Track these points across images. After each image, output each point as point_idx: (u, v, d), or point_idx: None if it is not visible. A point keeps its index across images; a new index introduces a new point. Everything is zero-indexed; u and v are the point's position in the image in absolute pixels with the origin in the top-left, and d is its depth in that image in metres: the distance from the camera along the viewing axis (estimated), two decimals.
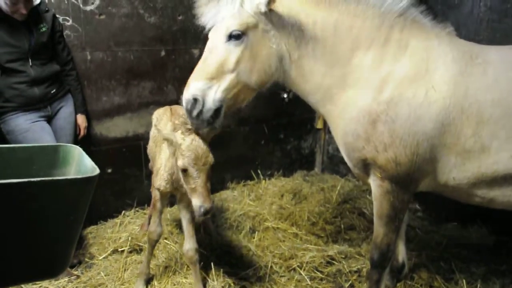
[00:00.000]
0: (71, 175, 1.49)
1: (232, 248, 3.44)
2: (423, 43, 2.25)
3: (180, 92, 4.11)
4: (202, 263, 3.00)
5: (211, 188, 2.48)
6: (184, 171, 2.25)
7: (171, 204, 4.00)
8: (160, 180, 2.62)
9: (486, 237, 3.71)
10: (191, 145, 2.24)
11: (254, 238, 3.62)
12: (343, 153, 2.50)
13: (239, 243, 3.51)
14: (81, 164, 1.47)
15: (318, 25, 2.26)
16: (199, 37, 4.10)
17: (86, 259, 3.32)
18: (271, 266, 3.19)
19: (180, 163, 2.25)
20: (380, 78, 2.22)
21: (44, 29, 2.99)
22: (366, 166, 2.35)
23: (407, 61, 2.22)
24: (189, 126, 2.32)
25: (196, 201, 2.22)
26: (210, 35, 2.37)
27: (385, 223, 2.43)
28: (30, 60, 2.94)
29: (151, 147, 3.12)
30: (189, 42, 4.07)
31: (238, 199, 4.41)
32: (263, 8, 2.17)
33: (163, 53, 3.94)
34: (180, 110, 3.19)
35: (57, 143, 3.05)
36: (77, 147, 1.57)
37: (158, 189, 2.68)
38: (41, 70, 3.00)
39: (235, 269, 3.15)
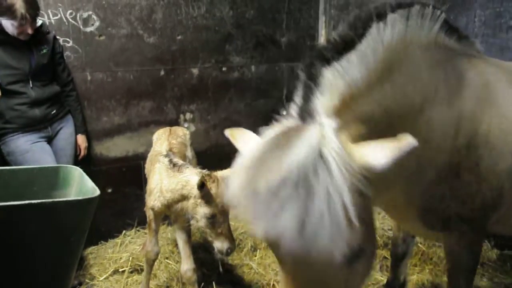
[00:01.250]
0: (71, 196, 1.49)
1: (234, 267, 3.41)
2: (477, 73, 1.92)
3: (179, 111, 4.17)
4: (203, 283, 2.97)
5: None
6: (212, 217, 2.28)
7: (171, 223, 3.98)
8: (154, 200, 2.60)
9: (490, 250, 3.68)
10: (218, 192, 2.27)
11: (255, 256, 3.59)
12: (411, 224, 2.13)
13: (241, 262, 3.48)
14: (81, 185, 1.48)
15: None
16: (198, 57, 4.16)
17: (87, 280, 3.29)
18: (273, 284, 3.16)
19: (208, 211, 2.27)
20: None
21: (45, 51, 3.02)
22: (445, 223, 1.96)
23: (469, 95, 1.87)
24: (206, 172, 2.37)
25: (225, 245, 2.31)
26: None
27: (466, 277, 2.09)
28: (31, 82, 2.97)
29: (147, 167, 3.12)
30: (188, 62, 4.11)
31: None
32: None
33: (162, 72, 3.98)
34: (180, 130, 3.22)
35: (58, 163, 3.06)
36: (78, 168, 1.58)
37: (152, 209, 2.67)
38: (41, 91, 3.02)
39: (237, 287, 3.12)
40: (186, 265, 2.73)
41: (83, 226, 1.27)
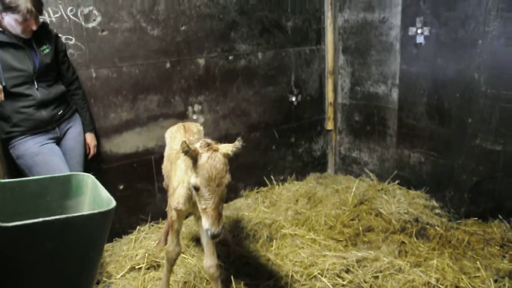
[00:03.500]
0: (85, 205, 1.45)
1: (251, 259, 3.38)
2: None
3: (187, 103, 4.10)
4: (222, 275, 2.94)
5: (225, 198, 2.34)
6: (196, 189, 2.14)
7: (185, 216, 3.95)
8: (177, 199, 2.51)
9: (510, 231, 3.62)
10: (207, 163, 2.10)
11: (272, 246, 3.56)
12: None
13: (258, 253, 3.45)
14: (95, 194, 1.43)
15: None
16: (203, 46, 4.07)
17: (104, 279, 3.28)
18: (292, 275, 3.13)
19: (192, 181, 2.13)
20: None
21: (47, 50, 2.96)
22: None
23: None
24: (209, 141, 2.23)
25: (205, 223, 2.11)
26: None
27: None
28: (35, 83, 2.91)
29: (165, 166, 3.04)
30: (193, 52, 4.03)
31: (253, 207, 4.35)
32: None
33: (168, 65, 3.91)
34: (194, 126, 3.14)
35: (67, 164, 3.02)
36: (90, 175, 1.53)
37: (176, 209, 2.58)
38: (47, 92, 2.97)
39: (255, 280, 3.09)
40: (210, 261, 2.67)
41: (101, 239, 1.22)
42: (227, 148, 2.24)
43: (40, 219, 1.06)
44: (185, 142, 2.09)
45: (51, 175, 1.48)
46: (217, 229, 2.09)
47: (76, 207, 1.48)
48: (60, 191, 1.48)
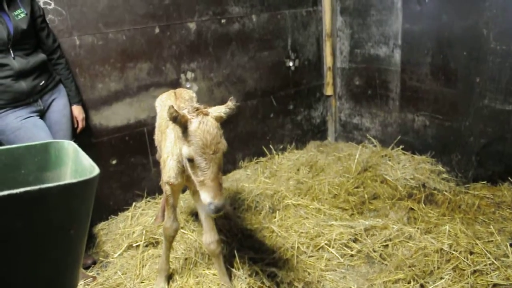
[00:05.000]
0: (67, 177, 1.25)
1: (254, 231, 3.22)
2: None
3: (179, 70, 3.86)
4: (224, 250, 2.79)
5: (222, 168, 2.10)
6: (191, 160, 1.90)
7: (183, 190, 3.78)
8: (168, 172, 2.28)
9: None
10: (199, 129, 1.86)
11: (275, 218, 3.40)
12: None
13: (261, 225, 3.30)
14: (77, 163, 1.23)
15: None
16: (194, 9, 3.80)
17: (101, 258, 3.12)
18: (298, 247, 2.98)
19: (185, 151, 1.90)
20: None
21: (22, 15, 2.68)
22: None
23: None
24: (196, 105, 2.00)
25: (206, 197, 1.87)
26: None
27: None
28: (11, 52, 2.64)
29: (157, 136, 2.82)
30: (184, 16, 3.76)
31: (253, 178, 4.18)
32: None
33: (157, 30, 3.64)
34: (186, 93, 2.91)
35: (54, 139, 2.81)
36: (71, 142, 1.32)
37: (168, 183, 2.36)
38: (25, 61, 2.71)
39: (260, 254, 2.94)
40: (210, 238, 2.50)
41: (84, 214, 1.03)
42: (218, 110, 2.00)
43: (6, 192, 0.86)
44: (172, 107, 1.84)
45: (26, 144, 1.28)
46: (220, 201, 1.87)
47: (56, 179, 1.29)
48: (37, 162, 1.28)
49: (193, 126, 1.88)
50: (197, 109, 1.95)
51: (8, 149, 1.27)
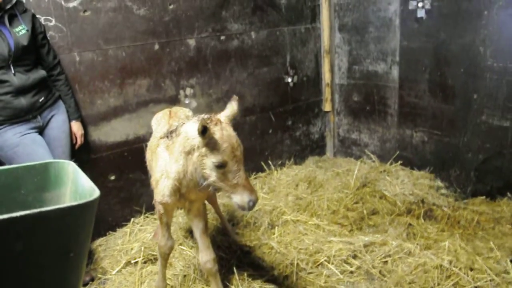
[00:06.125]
0: (66, 198, 1.25)
1: (253, 248, 3.20)
2: None
3: (178, 86, 3.88)
4: (223, 270, 2.77)
5: None
6: (221, 167, 1.94)
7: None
8: (162, 191, 2.26)
9: None
10: (223, 135, 1.92)
11: (274, 234, 3.38)
12: None
13: (260, 242, 3.28)
14: (77, 184, 1.23)
15: None
16: (194, 26, 3.84)
17: (99, 275, 3.09)
18: (297, 263, 2.96)
19: (216, 159, 1.92)
20: None
21: (23, 31, 2.71)
22: None
23: None
24: (204, 115, 2.03)
25: (244, 197, 1.95)
26: None
27: None
28: (12, 68, 2.66)
29: (148, 157, 2.76)
30: (183, 33, 3.80)
31: None
32: None
33: (156, 46, 3.67)
34: (181, 112, 2.90)
35: (52, 155, 2.81)
36: (71, 162, 1.32)
37: (161, 202, 2.34)
38: (25, 77, 2.72)
39: (259, 270, 2.92)
40: (206, 256, 2.48)
41: (84, 236, 1.03)
42: (225, 114, 2.08)
43: (6, 216, 0.86)
44: (204, 120, 1.89)
45: (25, 164, 1.28)
46: (256, 196, 1.99)
47: (56, 200, 1.29)
48: (36, 182, 1.28)
49: (217, 134, 1.93)
50: (210, 118, 1.99)
51: (8, 169, 1.27)
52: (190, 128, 2.03)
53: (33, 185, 1.28)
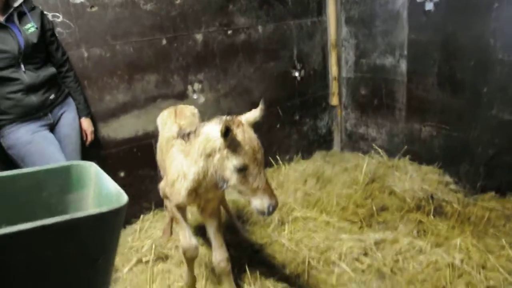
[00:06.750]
0: (89, 200, 1.23)
1: (264, 246, 3.19)
2: None
3: (186, 82, 3.85)
4: (235, 269, 2.75)
5: None
6: (242, 170, 1.90)
7: None
8: (179, 191, 2.23)
9: None
10: (245, 138, 1.90)
11: (284, 231, 3.37)
12: None
13: (270, 239, 3.26)
14: (101, 186, 1.21)
15: None
16: (200, 21, 3.80)
17: None
18: (309, 262, 2.95)
19: (238, 161, 1.89)
20: None
21: (32, 29, 2.68)
22: None
23: None
24: (226, 117, 1.99)
25: (264, 201, 1.92)
26: None
27: None
28: (22, 66, 2.63)
29: (159, 156, 2.74)
30: (190, 27, 3.76)
31: None
32: None
33: (164, 41, 3.64)
34: (187, 110, 2.87)
35: (63, 152, 2.79)
36: (93, 164, 1.30)
37: (177, 204, 2.32)
38: (36, 75, 2.70)
39: (271, 268, 2.91)
40: (220, 256, 2.46)
41: (113, 242, 1.01)
42: (248, 116, 2.07)
43: (38, 223, 0.84)
44: (227, 121, 1.86)
45: (47, 166, 1.26)
46: (276, 200, 1.96)
47: (78, 202, 1.27)
48: (59, 184, 1.26)
49: (239, 136, 1.91)
50: (232, 120, 1.96)
51: (29, 172, 1.25)
52: (212, 130, 1.99)
53: (56, 187, 1.26)
